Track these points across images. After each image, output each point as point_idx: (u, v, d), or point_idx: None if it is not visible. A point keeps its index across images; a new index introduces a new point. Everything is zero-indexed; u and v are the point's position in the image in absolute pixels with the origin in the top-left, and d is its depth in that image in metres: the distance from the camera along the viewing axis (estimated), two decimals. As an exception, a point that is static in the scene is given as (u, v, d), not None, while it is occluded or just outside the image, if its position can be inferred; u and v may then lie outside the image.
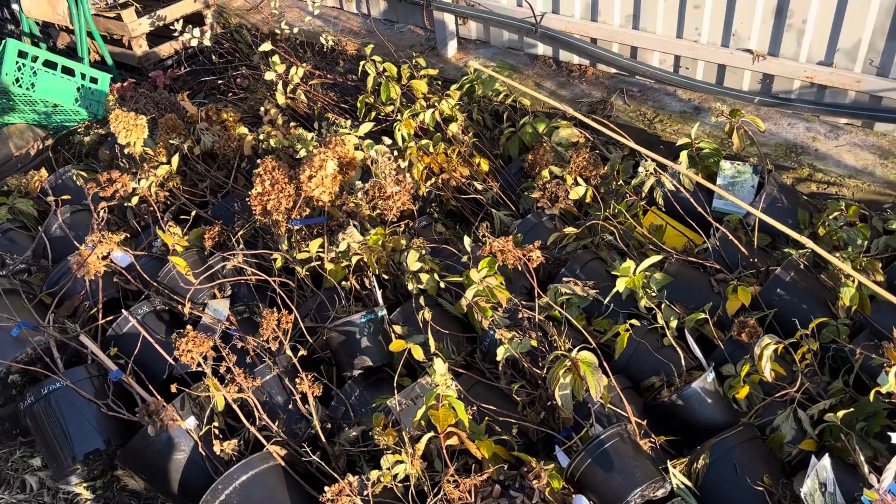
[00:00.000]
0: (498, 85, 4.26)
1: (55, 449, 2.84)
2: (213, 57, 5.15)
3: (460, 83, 4.16)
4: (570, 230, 3.33)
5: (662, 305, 2.93)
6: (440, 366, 2.49)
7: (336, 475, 2.54)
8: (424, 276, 2.92)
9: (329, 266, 3.08)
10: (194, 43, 4.76)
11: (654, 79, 4.15)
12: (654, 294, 2.97)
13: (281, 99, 4.20)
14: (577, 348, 2.38)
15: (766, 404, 2.54)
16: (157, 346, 2.95)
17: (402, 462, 2.42)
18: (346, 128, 3.73)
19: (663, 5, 3.88)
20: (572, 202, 3.44)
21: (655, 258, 2.81)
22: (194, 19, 5.51)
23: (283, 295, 2.95)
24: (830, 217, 3.21)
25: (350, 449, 2.64)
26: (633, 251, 3.24)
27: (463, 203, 3.70)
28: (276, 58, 4.22)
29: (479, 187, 3.69)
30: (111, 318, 3.18)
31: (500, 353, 2.57)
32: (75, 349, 3.16)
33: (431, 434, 2.38)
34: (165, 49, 5.34)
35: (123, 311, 3.11)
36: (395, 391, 2.68)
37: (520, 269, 2.73)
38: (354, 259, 3.02)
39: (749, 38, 3.70)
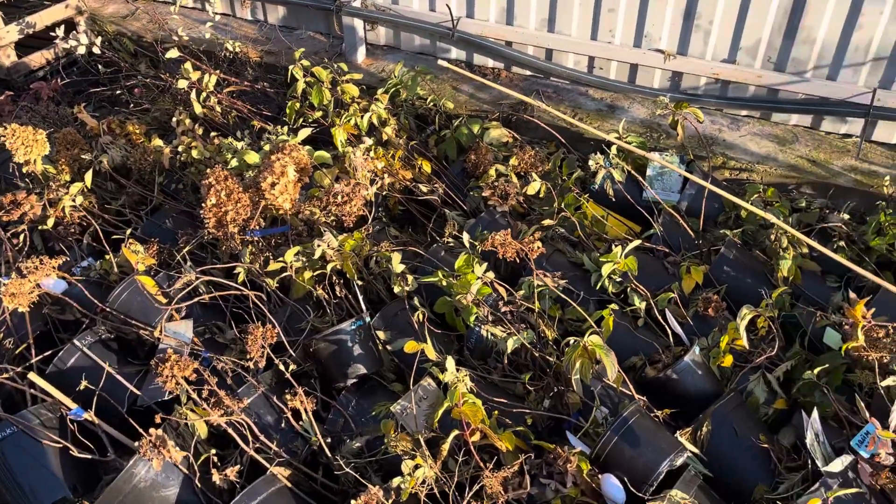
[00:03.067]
0: (419, 89, 4.28)
1: (13, 502, 2.49)
2: (100, 66, 4.73)
3: (386, 87, 4.13)
4: (527, 226, 3.42)
5: (628, 289, 3.09)
6: (451, 364, 2.48)
7: (366, 485, 2.44)
8: (410, 278, 2.88)
9: (300, 276, 2.95)
10: (82, 50, 4.36)
11: (570, 79, 4.35)
12: (619, 280, 3.12)
13: (198, 108, 3.95)
14: (588, 333, 2.46)
15: (746, 371, 2.75)
16: (118, 376, 2.68)
17: (420, 466, 2.37)
18: (283, 135, 3.59)
19: (578, 9, 4.09)
20: (521, 198, 3.54)
21: (636, 242, 2.96)
22: (65, 26, 5.03)
23: (261, 309, 2.79)
24: (751, 199, 3.53)
25: (357, 461, 2.54)
26: (589, 242, 3.39)
27: (411, 206, 3.68)
28: (188, 65, 3.97)
29: (424, 189, 3.68)
30: (50, 352, 2.85)
31: (510, 344, 2.59)
32: (8, 393, 2.79)
33: (456, 432, 2.35)
34: (37, 59, 4.84)
35: (73, 341, 2.78)
36: (392, 397, 2.63)
37: (517, 261, 2.76)
38: (330, 266, 2.92)
39: (660, 39, 3.99)
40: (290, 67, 3.81)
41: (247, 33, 5.17)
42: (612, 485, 2.28)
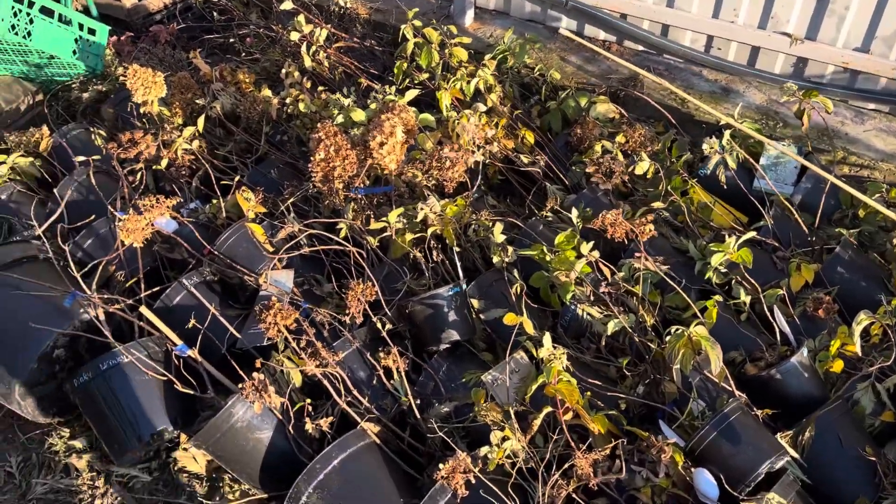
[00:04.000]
0: (526, 57, 4.19)
1: (115, 429, 2.62)
2: (214, 13, 4.83)
3: (494, 53, 4.06)
4: (631, 207, 3.34)
5: (733, 281, 2.98)
6: (548, 340, 2.45)
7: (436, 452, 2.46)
8: (510, 249, 2.85)
9: (400, 237, 2.96)
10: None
11: (684, 58, 4.18)
12: (723, 271, 3.01)
13: (307, 61, 3.99)
14: (694, 323, 2.38)
15: (856, 378, 2.62)
16: (221, 318, 2.77)
17: (509, 438, 2.36)
18: (391, 94, 3.58)
19: (703, -15, 3.91)
20: (626, 178, 3.44)
21: (750, 233, 2.84)
22: (184, -28, 5.15)
23: (361, 266, 2.82)
24: (872, 198, 3.33)
25: (445, 425, 2.56)
26: (695, 228, 3.27)
27: (510, 175, 3.63)
28: (301, 18, 4.00)
29: (526, 160, 3.63)
30: (158, 288, 2.96)
31: (611, 327, 2.54)
32: (117, 324, 2.92)
33: (549, 409, 2.34)
34: (155, 2, 4.97)
35: (180, 280, 2.89)
36: (482, 366, 2.63)
37: (621, 241, 2.70)
38: (430, 230, 2.92)
39: (788, 22, 3.78)
40: (402, 27, 3.79)
41: (357, -11, 5.17)
42: (705, 480, 2.22)
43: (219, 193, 3.30)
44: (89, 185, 3.42)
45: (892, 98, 3.73)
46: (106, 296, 2.83)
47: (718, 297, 2.81)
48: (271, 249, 2.91)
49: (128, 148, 3.45)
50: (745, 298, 2.88)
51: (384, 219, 2.90)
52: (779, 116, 3.92)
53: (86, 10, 4.78)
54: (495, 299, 2.90)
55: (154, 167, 3.46)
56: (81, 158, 3.45)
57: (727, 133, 3.53)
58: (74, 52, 4.13)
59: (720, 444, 2.26)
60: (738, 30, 3.93)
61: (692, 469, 2.29)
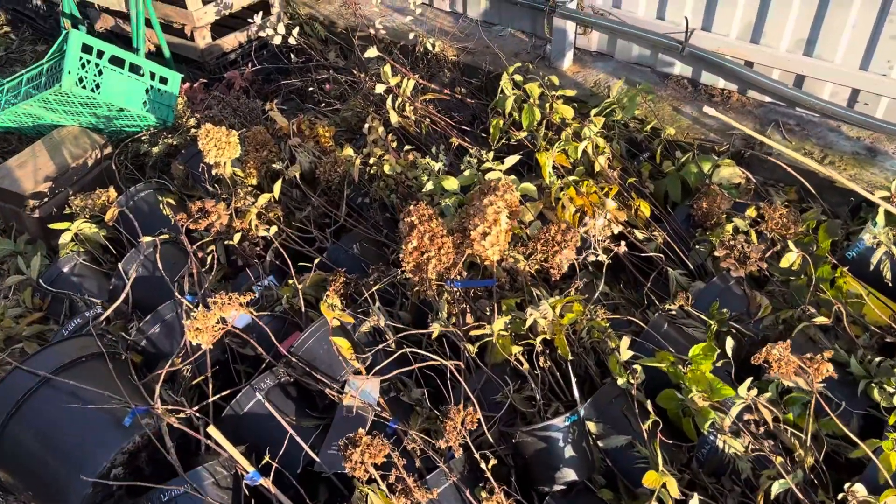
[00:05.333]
0: (637, 110, 3.73)
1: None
2: (291, 55, 4.52)
3: (601, 107, 3.61)
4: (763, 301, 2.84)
5: (907, 407, 2.45)
6: (674, 486, 1.99)
7: None
8: (639, 368, 2.40)
9: (503, 342, 2.54)
10: (278, 40, 4.13)
11: (822, 112, 3.64)
12: (892, 391, 2.48)
13: (394, 118, 3.61)
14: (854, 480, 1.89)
15: None
16: (298, 439, 2.40)
17: None
18: (488, 160, 3.17)
19: (850, 33, 3.37)
20: (765, 266, 2.94)
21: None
22: (259, 7, 4.86)
23: (457, 377, 2.41)
24: None
25: (561, 590, 2.13)
26: (849, 331, 2.75)
27: (623, 256, 3.17)
28: (387, 68, 3.62)
29: (640, 236, 3.16)
30: (229, 391, 2.62)
31: (776, 488, 2.06)
32: (182, 434, 2.59)
33: None
34: (230, 41, 4.69)
35: (252, 385, 2.54)
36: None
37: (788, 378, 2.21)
38: (539, 339, 2.49)
39: (956, 77, 3.21)
40: (502, 82, 3.38)
41: (442, 25, 4.79)
42: None
43: (292, 272, 2.94)
44: (156, 259, 3.11)
45: None
46: (170, 406, 2.49)
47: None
48: (355, 364, 2.53)
49: (198, 219, 3.14)
50: (929, 434, 2.35)
51: (487, 326, 2.48)
52: (939, 186, 3.34)
53: (157, 50, 4.53)
54: (615, 421, 2.45)
55: (226, 242, 3.13)
56: (148, 239, 3.14)
57: (881, 210, 3.00)
58: (145, 104, 3.86)
59: None
60: (891, 84, 3.37)
61: None
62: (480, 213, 2.57)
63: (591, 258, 2.68)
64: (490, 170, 3.11)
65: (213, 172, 3.38)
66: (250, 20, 4.63)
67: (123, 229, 3.38)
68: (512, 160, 3.16)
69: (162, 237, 3.17)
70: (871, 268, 2.88)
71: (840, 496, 2.01)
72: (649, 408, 2.36)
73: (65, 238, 3.32)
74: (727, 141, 3.70)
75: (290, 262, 3.02)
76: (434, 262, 2.58)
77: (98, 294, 3.17)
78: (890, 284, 2.81)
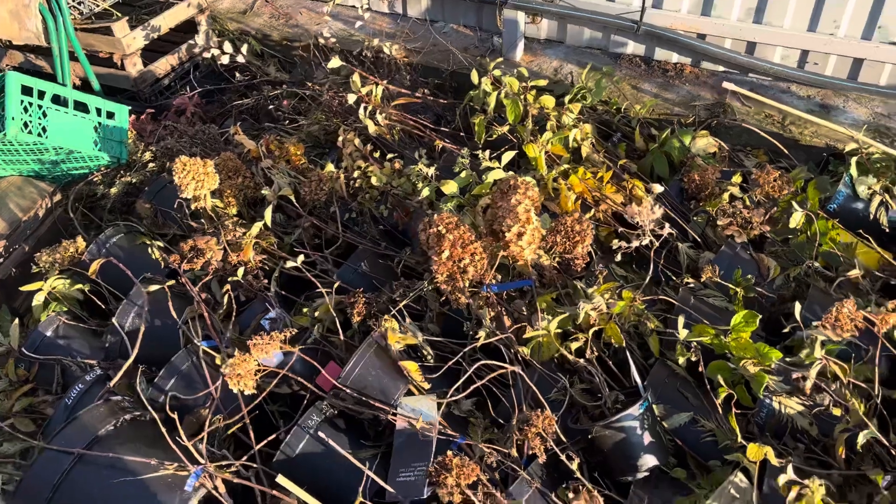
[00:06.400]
0: (605, 93, 3.79)
1: None
2: (236, 73, 4.29)
3: (573, 93, 3.64)
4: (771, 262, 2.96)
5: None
6: (791, 471, 2.04)
7: None
8: (695, 343, 2.44)
9: (553, 339, 2.52)
10: (225, 59, 3.91)
11: (774, 76, 3.82)
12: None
13: (371, 127, 3.50)
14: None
15: None
16: (366, 470, 2.29)
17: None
18: (483, 158, 3.13)
19: (796, -2, 3.55)
20: (768, 228, 3.06)
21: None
22: (186, 28, 4.60)
23: (508, 381, 2.37)
24: None
25: (668, 576, 2.14)
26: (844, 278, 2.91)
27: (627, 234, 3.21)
28: (356, 76, 3.51)
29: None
30: (273, 436, 2.47)
31: (861, 439, 2.14)
32: (232, 487, 2.42)
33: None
34: (162, 66, 4.40)
35: (300, 425, 2.40)
36: (681, 488, 2.22)
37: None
38: (591, 331, 2.49)
39: (899, 30, 3.44)
40: (482, 80, 3.34)
41: (382, 27, 4.69)
42: None
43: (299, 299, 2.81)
44: (152, 308, 2.89)
45: None
46: (222, 462, 2.32)
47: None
48: (423, 381, 2.44)
49: (193, 258, 2.93)
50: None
51: (543, 326, 2.45)
52: (891, 132, 3.58)
53: (84, 84, 4.20)
54: (672, 399, 2.49)
55: (230, 279, 2.94)
56: (142, 287, 2.91)
57: (853, 160, 3.19)
58: (96, 143, 3.55)
59: None
60: (838, 43, 3.58)
61: None
62: (511, 213, 2.54)
63: (645, 242, 2.69)
64: (489, 169, 3.08)
65: (192, 207, 3.17)
66: (182, 42, 4.37)
67: (102, 280, 3.12)
68: (509, 155, 3.14)
69: (154, 283, 2.94)
70: (861, 216, 3.06)
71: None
72: (709, 383, 2.41)
73: (38, 299, 3.03)
74: (692, 113, 3.83)
75: (295, 291, 2.88)
76: (471, 271, 2.52)
77: (91, 354, 2.91)
78: (887, 230, 2.98)
